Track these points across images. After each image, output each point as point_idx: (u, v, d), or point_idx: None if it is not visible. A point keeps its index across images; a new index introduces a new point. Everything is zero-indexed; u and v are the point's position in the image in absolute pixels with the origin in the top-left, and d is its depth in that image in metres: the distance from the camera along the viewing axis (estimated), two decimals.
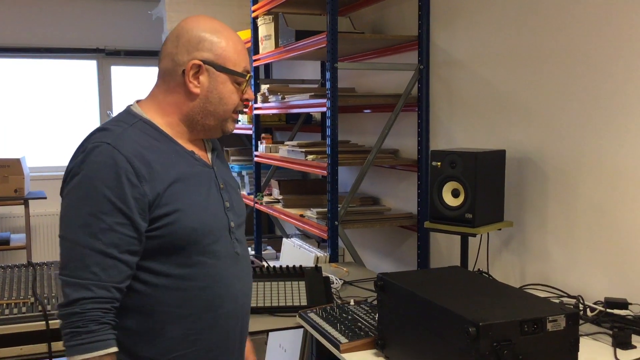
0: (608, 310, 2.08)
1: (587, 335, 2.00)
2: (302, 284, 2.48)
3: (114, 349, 1.34)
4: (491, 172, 2.57)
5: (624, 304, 2.09)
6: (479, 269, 2.68)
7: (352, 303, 2.26)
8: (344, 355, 1.85)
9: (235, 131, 5.05)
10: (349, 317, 2.09)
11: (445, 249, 3.24)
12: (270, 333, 3.53)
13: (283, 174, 4.60)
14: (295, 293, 2.42)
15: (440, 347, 1.57)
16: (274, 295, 2.38)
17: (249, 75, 1.50)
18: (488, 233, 2.70)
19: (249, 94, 1.53)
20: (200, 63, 1.46)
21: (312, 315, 2.14)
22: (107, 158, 1.34)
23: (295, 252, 3.40)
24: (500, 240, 2.80)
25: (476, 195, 2.47)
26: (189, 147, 1.51)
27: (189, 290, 1.42)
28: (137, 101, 1.55)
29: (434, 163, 2.58)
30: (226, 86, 1.48)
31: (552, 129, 2.53)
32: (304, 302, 2.37)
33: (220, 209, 1.51)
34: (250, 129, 4.44)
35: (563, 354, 1.51)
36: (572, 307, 2.12)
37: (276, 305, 2.33)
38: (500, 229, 2.67)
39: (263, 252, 4.44)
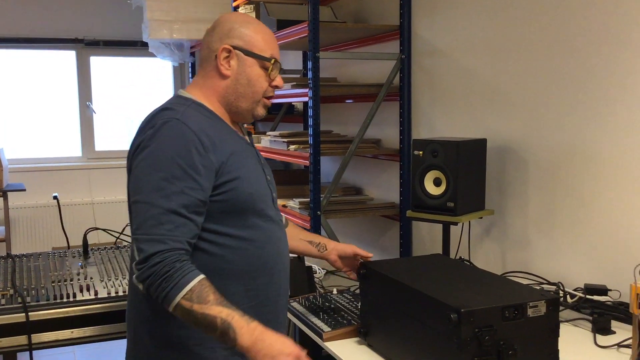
0: (588, 296, 2.11)
1: (567, 321, 2.02)
2: None
3: (203, 276, 1.45)
4: (472, 160, 2.58)
5: (603, 290, 2.12)
6: (460, 257, 2.70)
7: (334, 292, 2.26)
8: (327, 344, 1.85)
9: None
10: (332, 306, 2.09)
11: (427, 237, 3.26)
12: None
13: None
14: None
15: (422, 333, 1.58)
16: None
17: (274, 60, 1.65)
18: (469, 221, 2.72)
19: (278, 81, 1.68)
20: (230, 48, 1.63)
21: (295, 305, 2.14)
22: (177, 131, 1.49)
23: None
24: (481, 228, 2.82)
25: (458, 184, 2.48)
26: (232, 127, 1.68)
27: (248, 249, 1.58)
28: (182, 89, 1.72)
29: (415, 152, 2.59)
30: (254, 69, 1.64)
31: (533, 117, 2.54)
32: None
33: (263, 181, 1.69)
34: None
35: (544, 339, 1.52)
36: (552, 293, 2.14)
37: None
38: (481, 217, 2.68)
39: None
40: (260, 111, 1.69)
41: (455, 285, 1.66)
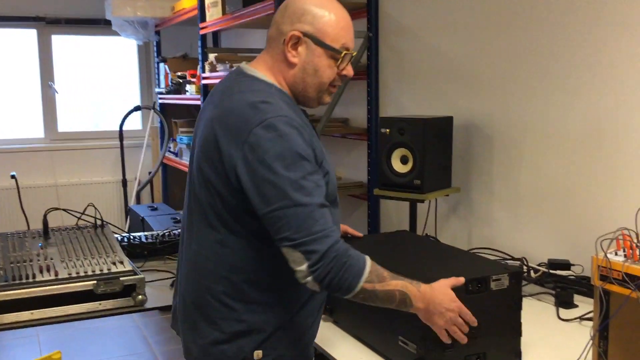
0: (551, 271, 2.13)
1: (530, 295, 2.05)
2: None
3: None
4: (439, 138, 2.58)
5: (566, 265, 2.15)
6: (426, 234, 2.71)
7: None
8: None
9: (183, 102, 4.96)
10: None
11: (395, 216, 3.26)
12: None
13: None
14: None
15: (387, 309, 1.57)
16: None
17: (344, 52, 1.53)
18: (436, 199, 2.73)
19: (348, 70, 1.57)
20: (300, 35, 1.50)
21: None
22: (292, 129, 1.41)
23: None
24: (448, 206, 2.83)
25: (424, 162, 2.48)
26: None
27: None
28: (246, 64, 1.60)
29: (382, 130, 2.58)
30: (322, 60, 1.53)
31: (499, 96, 2.55)
32: None
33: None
34: (198, 99, 4.35)
35: (507, 312, 1.54)
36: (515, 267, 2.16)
37: None
38: (447, 195, 2.70)
39: None
40: (327, 99, 1.60)
41: (420, 260, 1.66)
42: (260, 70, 1.55)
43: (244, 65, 1.59)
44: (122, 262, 2.13)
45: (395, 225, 3.24)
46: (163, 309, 2.13)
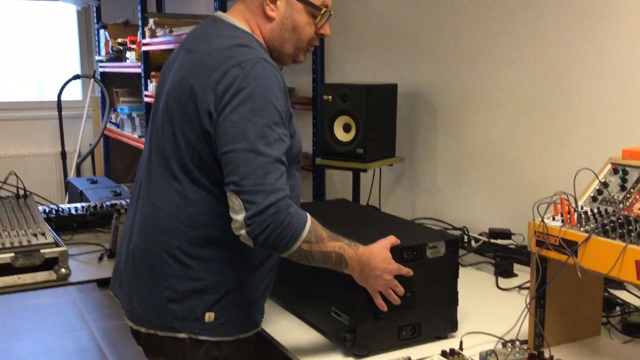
0: (492, 240, 2.10)
1: (470, 265, 2.01)
2: None
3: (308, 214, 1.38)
4: (383, 106, 2.51)
5: (507, 234, 2.12)
6: (367, 204, 2.64)
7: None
8: None
9: (123, 70, 4.76)
10: None
11: (340, 187, 3.20)
12: None
13: None
14: None
15: (321, 279, 1.51)
16: None
17: (325, 9, 1.50)
18: (380, 169, 2.67)
19: (325, 29, 1.54)
20: None
21: None
22: (270, 74, 1.36)
23: None
24: (392, 176, 2.77)
25: (367, 130, 2.41)
26: None
27: (292, 199, 1.46)
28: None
29: (325, 97, 2.49)
30: (301, 16, 1.49)
31: (443, 63, 2.49)
32: None
33: None
34: (139, 67, 4.17)
35: (443, 281, 1.48)
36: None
37: None
38: (391, 165, 2.64)
39: None
40: (302, 57, 1.55)
41: (355, 229, 1.59)
42: (239, 20, 1.50)
43: (220, 13, 1.53)
44: (44, 234, 1.99)
45: (341, 196, 3.17)
46: (94, 283, 2.04)
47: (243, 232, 1.30)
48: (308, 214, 1.36)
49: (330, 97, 2.48)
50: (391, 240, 1.43)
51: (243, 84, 1.33)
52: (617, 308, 1.61)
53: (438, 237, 1.49)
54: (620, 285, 1.73)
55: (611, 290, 1.68)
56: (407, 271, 1.42)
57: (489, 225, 2.23)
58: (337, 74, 3.13)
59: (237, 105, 1.33)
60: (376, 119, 2.45)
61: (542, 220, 1.31)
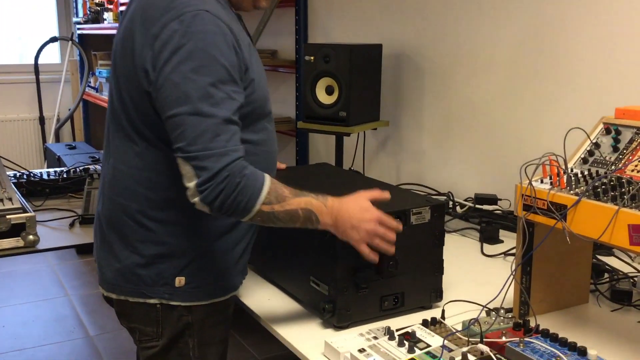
0: (477, 206, 2.04)
1: (455, 231, 1.95)
2: None
3: (267, 174, 1.30)
4: (367, 67, 2.42)
5: (493, 200, 2.06)
6: (350, 168, 2.57)
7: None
8: None
9: (102, 32, 4.60)
10: None
11: (324, 153, 3.12)
12: None
13: None
14: None
15: (300, 246, 1.44)
16: None
17: None
18: (364, 133, 2.59)
19: None
20: None
21: None
22: (214, 26, 1.25)
23: None
24: (377, 140, 2.70)
25: (351, 92, 2.32)
26: None
27: (261, 154, 1.41)
28: None
29: (306, 57, 2.39)
30: None
31: (429, 23, 2.39)
32: None
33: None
34: (113, 28, 4.02)
35: (428, 248, 1.42)
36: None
37: None
38: (375, 129, 2.56)
39: None
40: (264, 3, 1.47)
41: (336, 193, 1.51)
42: None
43: None
44: (10, 199, 1.90)
45: (324, 162, 3.10)
46: (73, 250, 1.95)
47: (197, 199, 1.22)
48: (266, 175, 1.27)
49: (312, 57, 2.38)
50: (372, 192, 1.33)
51: (183, 40, 1.23)
52: (606, 275, 1.56)
53: (423, 202, 1.42)
54: (609, 251, 1.68)
55: (599, 257, 1.63)
56: (391, 221, 1.30)
57: (475, 190, 2.17)
58: (320, 34, 3.03)
59: (178, 64, 1.22)
60: (360, 80, 2.36)
61: (530, 183, 1.24)
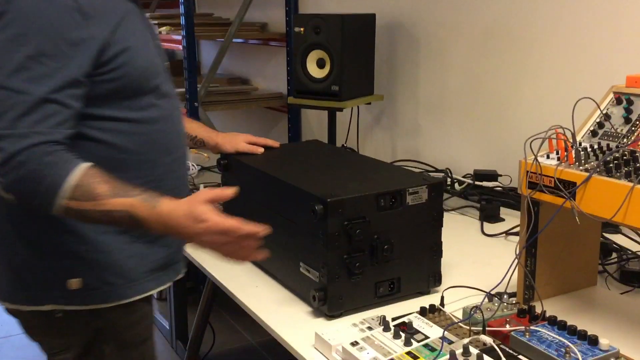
0: (477, 182, 1.94)
1: (454, 209, 1.86)
2: None
3: (89, 163, 1.14)
4: (360, 38, 2.30)
5: (493, 176, 1.96)
6: (343, 145, 2.47)
7: (201, 189, 1.99)
8: (187, 247, 1.58)
9: None
10: None
11: (317, 129, 3.01)
12: None
13: None
14: None
15: (287, 230, 1.35)
16: None
17: None
18: (358, 108, 2.48)
19: None
20: None
21: None
22: None
23: None
24: (371, 115, 2.59)
25: (343, 65, 2.21)
26: None
27: (148, 134, 1.28)
28: None
29: (296, 29, 2.28)
30: None
31: None
32: None
33: (152, 47, 1.32)
34: None
35: (425, 230, 1.32)
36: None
37: None
38: (369, 103, 2.45)
39: None
40: None
41: (327, 173, 1.42)
42: None
43: None
44: None
45: (319, 139, 2.99)
46: None
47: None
48: (81, 166, 1.12)
49: (302, 29, 2.26)
50: (208, 193, 1.15)
51: (5, 6, 1.12)
52: (614, 255, 1.48)
53: (420, 181, 1.33)
54: (616, 228, 1.59)
55: (606, 235, 1.53)
56: (238, 227, 1.10)
57: (475, 166, 2.07)
58: (312, 5, 2.90)
59: None
60: (352, 52, 2.25)
61: (536, 159, 1.15)
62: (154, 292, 1.34)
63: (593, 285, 1.36)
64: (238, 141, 1.60)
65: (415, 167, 2.16)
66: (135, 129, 1.26)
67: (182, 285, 2.65)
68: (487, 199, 1.83)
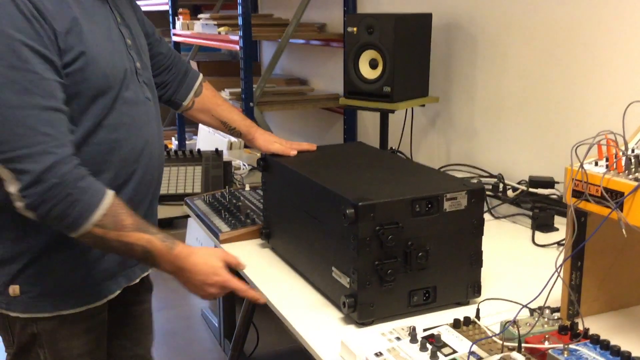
0: (531, 189, 1.85)
1: (505, 217, 1.78)
2: (199, 169, 2.18)
3: (113, 191, 1.18)
4: (414, 39, 2.24)
5: (549, 183, 1.86)
6: (391, 148, 2.41)
7: (247, 188, 1.98)
8: (223, 246, 1.59)
9: (149, 8, 4.56)
10: (239, 203, 1.81)
11: (372, 131, 2.97)
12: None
13: (210, 55, 4.19)
14: (189, 179, 2.14)
15: (319, 233, 1.32)
16: (164, 182, 2.08)
17: None
18: (412, 109, 2.42)
19: None
20: None
21: (198, 202, 1.86)
22: None
23: (210, 137, 3.10)
24: (426, 117, 2.52)
25: (396, 66, 2.16)
26: None
27: (106, 143, 1.24)
28: None
29: (349, 29, 2.24)
30: None
31: None
32: (197, 189, 2.09)
33: (122, 48, 1.30)
34: (166, 3, 3.97)
35: (464, 238, 1.26)
36: (478, 183, 1.87)
37: (165, 193, 2.05)
38: (423, 105, 2.38)
39: (188, 142, 4.10)
40: None
41: (363, 176, 1.38)
42: None
43: None
44: None
45: (373, 142, 2.94)
46: None
47: (21, 205, 1.09)
48: (109, 193, 1.13)
49: (354, 29, 2.22)
50: (230, 256, 1.26)
51: None
52: None
53: (459, 186, 1.27)
54: None
55: None
56: (239, 286, 1.23)
57: (530, 172, 1.97)
58: (369, 4, 2.86)
59: None
60: (406, 53, 2.19)
61: (581, 166, 1.07)
62: (97, 304, 1.32)
63: None
64: (272, 141, 1.58)
65: (469, 171, 2.09)
66: (93, 139, 1.22)
67: None
68: (541, 206, 1.73)
